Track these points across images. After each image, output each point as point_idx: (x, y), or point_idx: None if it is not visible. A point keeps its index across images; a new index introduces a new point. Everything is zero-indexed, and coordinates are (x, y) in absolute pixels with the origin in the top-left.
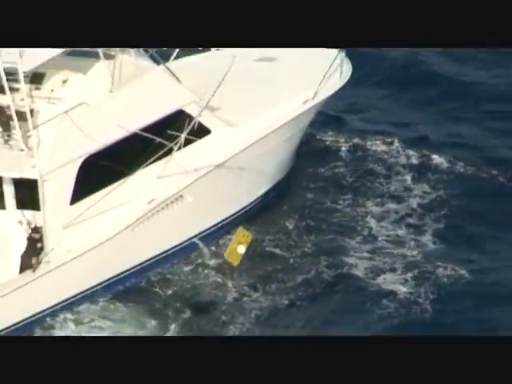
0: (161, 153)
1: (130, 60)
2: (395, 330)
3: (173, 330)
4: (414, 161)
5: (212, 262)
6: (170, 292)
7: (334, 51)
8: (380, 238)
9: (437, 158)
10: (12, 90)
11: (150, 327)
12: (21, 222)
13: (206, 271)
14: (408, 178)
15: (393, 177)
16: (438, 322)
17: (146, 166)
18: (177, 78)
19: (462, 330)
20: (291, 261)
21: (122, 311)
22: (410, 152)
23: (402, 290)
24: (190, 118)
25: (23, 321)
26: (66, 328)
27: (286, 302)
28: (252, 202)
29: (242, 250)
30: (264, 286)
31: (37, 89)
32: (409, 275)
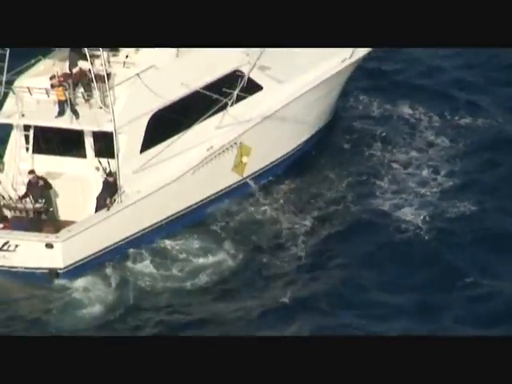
0: (218, 107)
1: None
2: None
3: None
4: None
5: (263, 200)
6: (232, 225)
7: None
8: (403, 180)
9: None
10: (93, 56)
11: (220, 255)
12: (98, 169)
13: (259, 208)
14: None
15: (416, 133)
16: (439, 252)
17: (205, 118)
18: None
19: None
20: (328, 195)
21: (189, 243)
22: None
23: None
24: (244, 76)
25: (99, 252)
26: (142, 260)
27: (327, 229)
28: (296, 147)
29: (245, 159)
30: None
31: (114, 55)
32: (424, 212)
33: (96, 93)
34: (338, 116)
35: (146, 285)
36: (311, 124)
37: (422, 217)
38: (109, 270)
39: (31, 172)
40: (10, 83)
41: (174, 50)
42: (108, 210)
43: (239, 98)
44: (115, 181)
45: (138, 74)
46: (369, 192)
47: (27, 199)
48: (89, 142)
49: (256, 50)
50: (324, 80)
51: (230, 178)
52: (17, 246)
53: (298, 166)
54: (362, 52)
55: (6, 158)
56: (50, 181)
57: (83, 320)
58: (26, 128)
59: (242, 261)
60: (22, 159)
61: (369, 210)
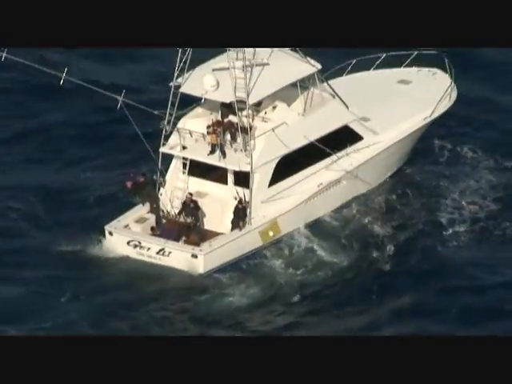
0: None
1: (317, 92)
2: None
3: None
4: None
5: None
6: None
7: (448, 80)
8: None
9: None
10: (240, 110)
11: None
12: (234, 197)
13: None
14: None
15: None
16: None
17: (318, 162)
18: (346, 105)
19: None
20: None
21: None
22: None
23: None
24: (351, 130)
25: (231, 261)
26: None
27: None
28: (381, 183)
29: (271, 234)
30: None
31: (256, 111)
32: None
33: (240, 140)
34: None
35: (276, 280)
36: (395, 165)
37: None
38: (244, 269)
39: (189, 194)
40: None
41: (300, 109)
42: (240, 230)
43: (344, 146)
44: (246, 207)
45: (272, 129)
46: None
47: (181, 215)
48: (231, 175)
49: (361, 104)
50: (409, 134)
51: (332, 206)
52: (170, 252)
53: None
54: (440, 111)
55: (167, 177)
56: (198, 198)
57: (227, 310)
58: (185, 158)
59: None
60: (179, 180)
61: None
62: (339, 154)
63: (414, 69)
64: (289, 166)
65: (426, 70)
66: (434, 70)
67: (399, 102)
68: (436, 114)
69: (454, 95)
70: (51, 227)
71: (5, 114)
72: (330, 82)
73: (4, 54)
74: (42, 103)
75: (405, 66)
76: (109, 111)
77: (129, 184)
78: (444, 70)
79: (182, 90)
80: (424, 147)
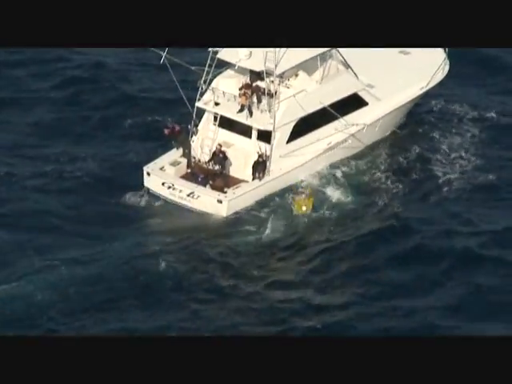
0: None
1: (333, 63)
2: None
3: None
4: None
5: None
6: None
7: (443, 54)
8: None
9: None
10: (268, 76)
11: None
12: (256, 151)
13: None
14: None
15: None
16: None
17: (329, 123)
18: (356, 75)
19: None
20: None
21: None
22: None
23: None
24: (359, 97)
25: (251, 206)
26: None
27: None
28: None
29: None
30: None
31: (281, 78)
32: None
33: (265, 102)
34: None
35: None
36: (393, 126)
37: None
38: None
39: (219, 145)
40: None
41: (318, 78)
42: (260, 180)
43: (352, 110)
44: (266, 160)
45: (294, 95)
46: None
47: (210, 162)
48: (255, 131)
49: (367, 76)
50: (406, 102)
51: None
52: (199, 196)
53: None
54: (434, 82)
55: (199, 127)
56: (224, 148)
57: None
58: (216, 113)
59: None
60: (209, 130)
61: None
62: (347, 118)
63: None
64: (305, 126)
65: None
66: None
67: (399, 71)
68: (431, 85)
69: (447, 68)
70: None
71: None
72: (344, 51)
73: (164, 54)
74: None
75: None
76: None
77: (166, 131)
78: None
79: (219, 56)
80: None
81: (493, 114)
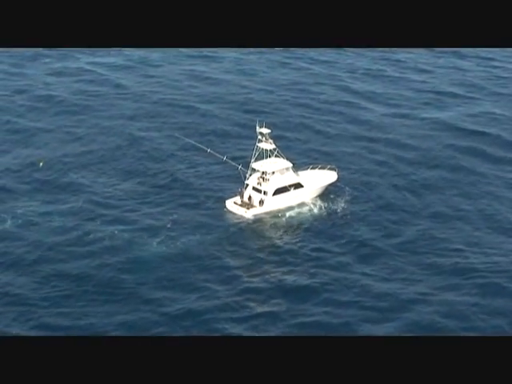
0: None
1: (290, 170)
2: None
3: None
4: None
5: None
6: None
7: (335, 174)
8: None
9: None
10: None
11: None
12: (261, 197)
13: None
14: None
15: None
16: None
17: (290, 190)
18: (299, 175)
19: None
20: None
21: None
22: None
23: None
24: (300, 183)
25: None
26: None
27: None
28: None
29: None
30: None
31: (272, 173)
32: None
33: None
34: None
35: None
36: (316, 194)
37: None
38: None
39: (249, 195)
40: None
41: (285, 173)
42: (262, 207)
43: (298, 187)
44: (264, 201)
45: (275, 179)
46: None
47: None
48: (262, 191)
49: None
50: (321, 186)
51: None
52: (242, 210)
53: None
54: (332, 180)
55: (244, 188)
56: (251, 196)
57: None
58: (247, 184)
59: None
60: (247, 190)
61: None
62: (296, 190)
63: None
64: (280, 190)
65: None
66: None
67: (317, 175)
68: (330, 182)
69: (336, 176)
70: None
71: None
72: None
73: (225, 158)
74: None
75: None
76: None
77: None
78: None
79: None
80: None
81: None
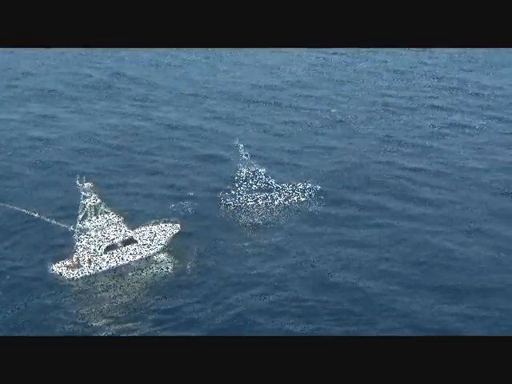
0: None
1: None
2: None
3: None
4: None
5: None
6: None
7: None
8: None
9: None
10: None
11: None
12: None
13: None
14: None
15: None
16: None
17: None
18: (132, 231)
19: None
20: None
21: None
22: None
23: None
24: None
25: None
26: None
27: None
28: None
29: None
30: None
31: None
32: None
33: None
34: None
35: None
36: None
37: None
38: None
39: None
40: None
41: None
42: (78, 267)
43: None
44: (91, 260)
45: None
46: None
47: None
48: None
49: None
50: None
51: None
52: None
53: None
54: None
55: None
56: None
57: None
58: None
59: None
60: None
61: None
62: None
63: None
64: (110, 248)
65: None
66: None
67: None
68: (175, 232)
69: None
70: None
71: None
72: None
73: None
74: None
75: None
76: None
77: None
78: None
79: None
80: None
81: None
